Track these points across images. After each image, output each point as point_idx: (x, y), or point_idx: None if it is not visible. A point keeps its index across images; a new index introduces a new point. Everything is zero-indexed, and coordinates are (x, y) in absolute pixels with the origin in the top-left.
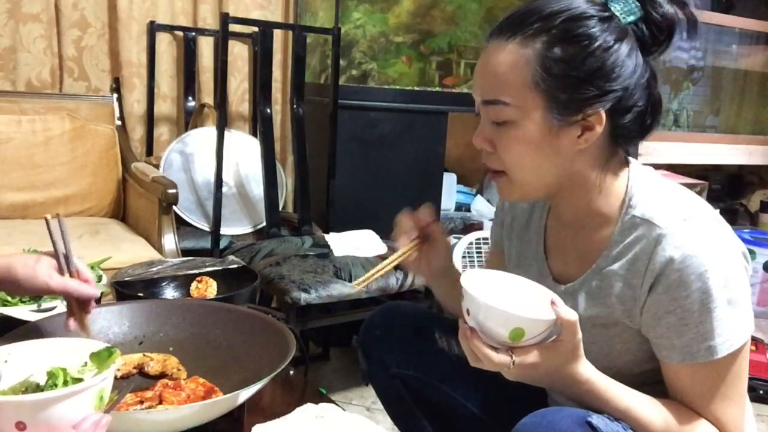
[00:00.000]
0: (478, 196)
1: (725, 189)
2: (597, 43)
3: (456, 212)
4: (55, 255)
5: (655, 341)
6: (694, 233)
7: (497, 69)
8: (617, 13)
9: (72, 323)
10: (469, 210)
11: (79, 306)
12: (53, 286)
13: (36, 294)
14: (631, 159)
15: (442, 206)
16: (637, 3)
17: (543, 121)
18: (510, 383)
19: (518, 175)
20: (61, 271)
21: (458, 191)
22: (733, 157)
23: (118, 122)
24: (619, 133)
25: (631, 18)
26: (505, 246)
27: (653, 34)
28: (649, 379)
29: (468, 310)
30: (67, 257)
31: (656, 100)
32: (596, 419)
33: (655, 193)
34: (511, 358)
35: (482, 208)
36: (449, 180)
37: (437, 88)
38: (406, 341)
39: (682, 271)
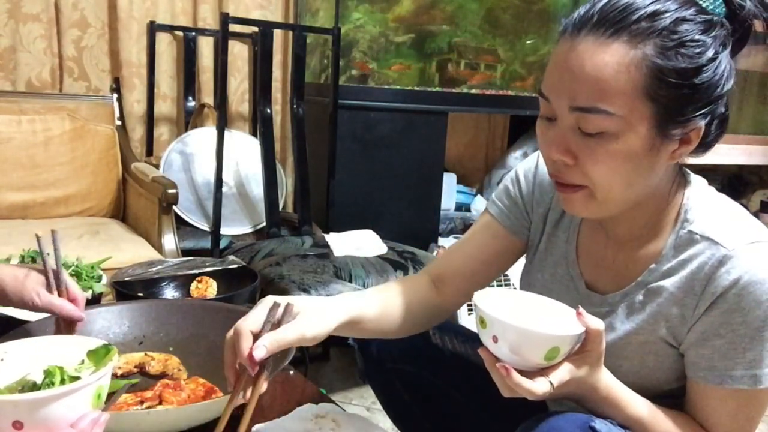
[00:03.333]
0: (478, 196)
1: (725, 189)
2: (710, 51)
3: (456, 212)
4: (45, 270)
5: (693, 360)
6: (761, 259)
7: (600, 72)
8: (708, 9)
9: None
10: (469, 210)
11: (65, 325)
12: (39, 304)
13: (22, 308)
14: (686, 170)
15: (442, 206)
16: (720, 0)
17: (647, 135)
18: None
19: (605, 192)
20: (49, 288)
21: (458, 191)
22: (732, 157)
23: (118, 122)
24: (700, 143)
25: (718, 17)
26: (521, 229)
27: (735, 34)
28: (671, 397)
29: (495, 337)
30: (57, 274)
31: (729, 106)
32: (599, 424)
33: (714, 210)
34: (550, 382)
35: (482, 208)
36: (449, 180)
37: (437, 88)
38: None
39: (743, 296)
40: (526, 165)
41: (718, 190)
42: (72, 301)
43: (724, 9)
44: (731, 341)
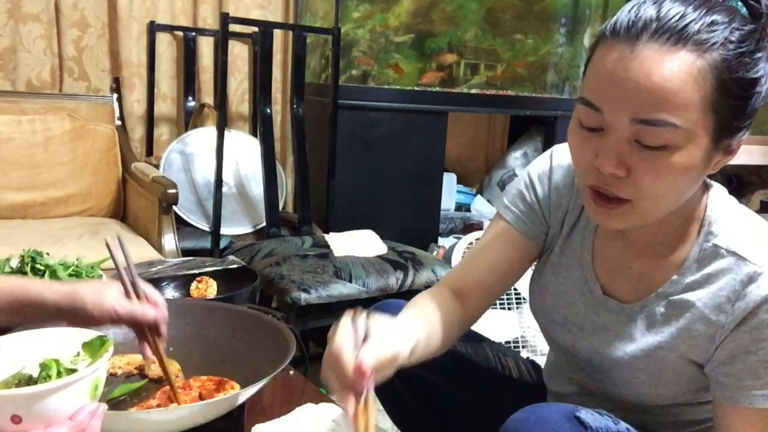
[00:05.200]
0: (478, 196)
1: (725, 189)
2: (764, 63)
3: (456, 212)
4: (120, 278)
5: (720, 379)
6: None
7: (669, 82)
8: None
9: (146, 350)
10: (469, 210)
11: (150, 331)
12: (121, 313)
13: (101, 323)
14: (707, 179)
15: (442, 206)
16: (741, 4)
17: (707, 147)
18: (506, 380)
19: (653, 206)
20: (128, 295)
21: (458, 191)
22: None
23: (118, 122)
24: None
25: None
26: (538, 234)
27: None
28: (686, 404)
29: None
30: (133, 281)
31: None
32: (584, 414)
33: (739, 222)
34: None
35: (482, 208)
36: (449, 180)
37: (437, 88)
38: None
39: None
40: (539, 168)
41: None
42: (153, 305)
43: (745, 12)
44: (762, 359)
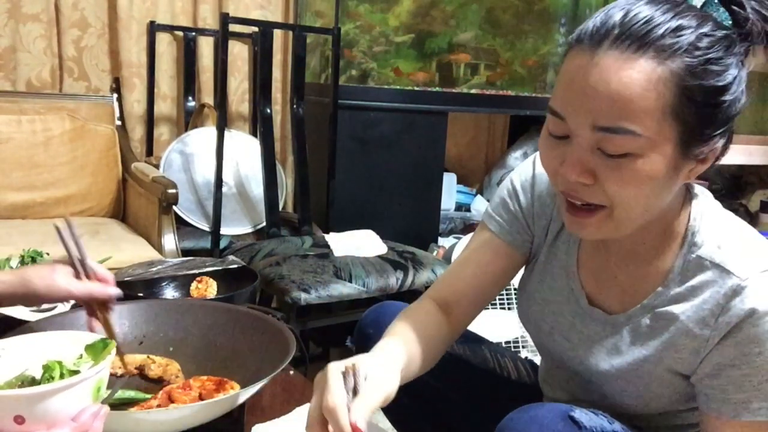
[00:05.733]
0: (478, 196)
1: (725, 189)
2: (734, 70)
3: (456, 212)
4: (69, 260)
5: (706, 391)
6: None
7: (628, 89)
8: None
9: (95, 325)
10: (469, 210)
11: (99, 306)
12: (76, 293)
13: (57, 302)
14: (691, 185)
15: (442, 206)
16: (726, 13)
17: (672, 156)
18: (505, 381)
19: (625, 212)
20: (78, 276)
21: (458, 191)
22: (733, 157)
23: (118, 122)
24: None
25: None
26: (523, 243)
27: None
28: (676, 413)
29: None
30: (82, 261)
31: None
32: (578, 413)
33: (723, 233)
34: None
35: (482, 208)
36: (449, 180)
37: (437, 88)
38: None
39: (760, 326)
40: (521, 176)
41: (719, 190)
42: (102, 281)
43: (730, 22)
44: (746, 373)
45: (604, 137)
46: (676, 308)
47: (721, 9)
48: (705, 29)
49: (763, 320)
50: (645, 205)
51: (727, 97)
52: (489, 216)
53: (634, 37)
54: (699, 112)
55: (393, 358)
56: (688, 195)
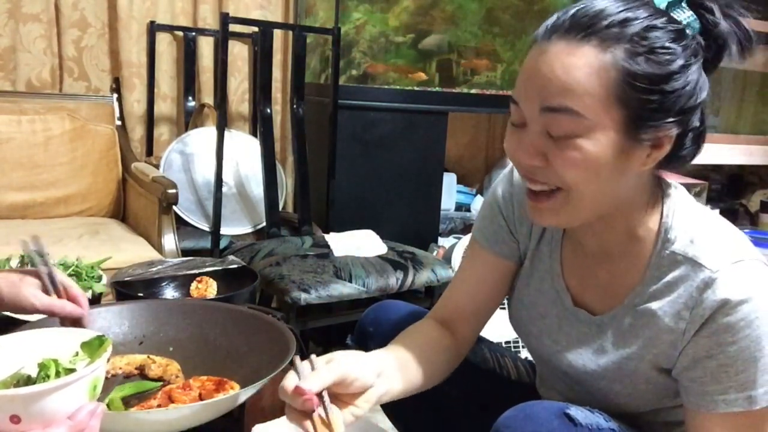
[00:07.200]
0: (478, 196)
1: (725, 189)
2: (681, 60)
3: (456, 212)
4: (37, 273)
5: (686, 384)
6: (746, 278)
7: (570, 73)
8: (683, 23)
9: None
10: (469, 210)
11: (72, 323)
12: (39, 307)
13: (21, 313)
14: (667, 183)
15: (442, 206)
16: (695, 16)
17: (617, 138)
18: (504, 381)
19: (578, 195)
20: (46, 291)
21: (458, 191)
22: (733, 157)
23: (118, 122)
24: (674, 155)
25: (691, 31)
26: (512, 252)
27: (709, 50)
28: (667, 409)
29: None
30: (51, 276)
31: (705, 121)
32: (574, 411)
33: (696, 228)
34: None
35: None
36: (449, 180)
37: (437, 88)
38: None
39: (731, 316)
40: (501, 186)
41: (719, 190)
42: (72, 299)
43: (698, 25)
44: (722, 363)
45: (550, 118)
46: (654, 305)
47: (693, 16)
48: (655, 22)
49: (736, 310)
50: (598, 188)
51: (674, 86)
52: (477, 230)
53: (581, 28)
54: (644, 98)
55: (372, 356)
56: (660, 192)
